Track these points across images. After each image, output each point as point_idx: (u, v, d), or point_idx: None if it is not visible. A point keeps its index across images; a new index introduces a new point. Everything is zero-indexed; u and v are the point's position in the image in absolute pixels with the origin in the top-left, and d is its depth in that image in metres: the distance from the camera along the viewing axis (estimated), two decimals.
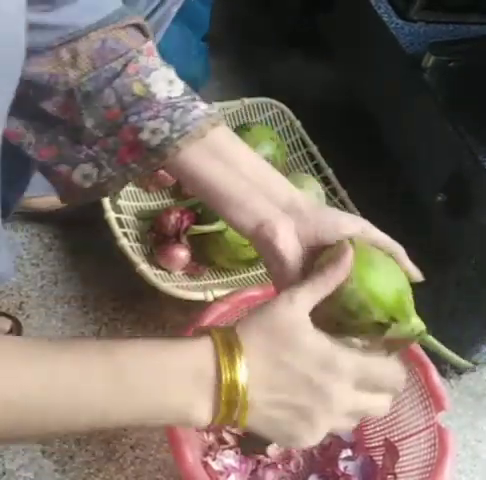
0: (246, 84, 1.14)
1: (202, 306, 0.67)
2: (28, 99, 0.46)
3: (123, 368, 0.36)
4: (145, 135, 0.45)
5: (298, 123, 1.01)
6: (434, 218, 0.82)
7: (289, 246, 0.43)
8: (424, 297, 0.85)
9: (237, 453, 0.65)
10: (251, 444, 0.44)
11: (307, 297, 0.39)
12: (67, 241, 0.87)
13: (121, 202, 0.86)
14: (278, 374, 0.38)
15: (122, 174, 0.48)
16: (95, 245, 0.84)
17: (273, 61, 1.20)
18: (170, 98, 0.46)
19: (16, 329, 0.76)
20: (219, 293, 0.75)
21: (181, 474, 0.54)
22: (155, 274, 0.78)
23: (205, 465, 0.62)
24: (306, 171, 0.97)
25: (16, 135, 0.48)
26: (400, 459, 0.64)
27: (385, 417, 0.68)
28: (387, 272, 0.41)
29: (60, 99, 0.46)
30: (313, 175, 0.96)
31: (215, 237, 0.82)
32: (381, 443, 0.67)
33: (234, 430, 0.66)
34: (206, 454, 0.64)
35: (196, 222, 0.83)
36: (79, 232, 0.86)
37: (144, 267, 0.76)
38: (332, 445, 0.69)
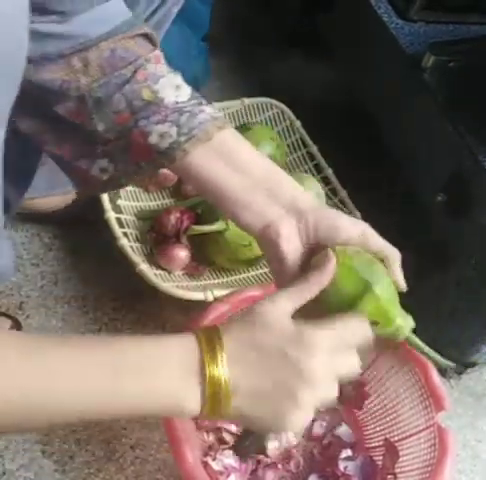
0: (246, 84, 1.14)
1: (202, 306, 0.67)
2: (42, 103, 0.48)
3: (117, 360, 0.39)
4: (154, 139, 0.47)
5: (298, 123, 1.01)
6: (434, 218, 0.82)
7: (291, 246, 0.46)
8: (424, 297, 0.86)
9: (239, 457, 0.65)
10: (245, 447, 0.44)
11: (289, 300, 0.42)
12: (67, 241, 0.87)
13: (121, 202, 0.86)
14: (257, 357, 0.40)
15: (134, 171, 0.50)
16: (95, 245, 0.84)
17: (273, 61, 1.20)
18: (177, 103, 0.48)
19: (16, 329, 0.76)
20: (219, 293, 0.75)
21: (181, 474, 0.54)
22: (155, 274, 0.78)
23: (205, 465, 0.62)
24: (306, 171, 0.97)
25: (35, 132, 0.50)
26: (400, 459, 0.64)
27: (385, 417, 0.68)
28: (369, 279, 0.44)
29: (72, 104, 0.48)
30: (313, 175, 0.96)
31: (215, 237, 0.82)
32: (381, 443, 0.67)
33: (234, 430, 0.66)
34: (206, 454, 0.64)
35: (196, 222, 0.83)
36: (79, 232, 0.86)
37: (144, 267, 0.76)
38: (332, 445, 0.69)
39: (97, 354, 0.39)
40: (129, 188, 0.89)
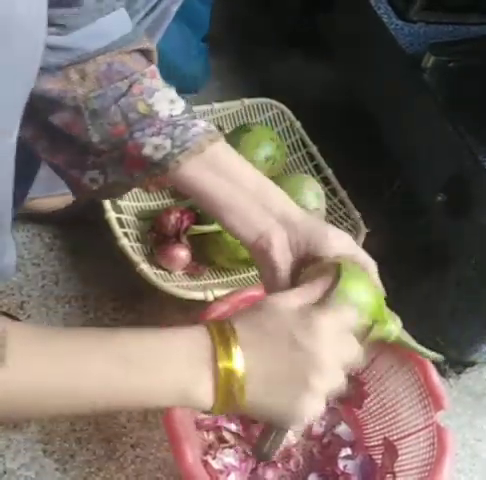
0: (246, 84, 1.14)
1: (202, 306, 0.67)
2: (39, 111, 0.49)
3: (124, 349, 0.39)
4: (148, 150, 0.49)
5: (298, 124, 1.01)
6: (434, 218, 0.82)
7: (282, 256, 0.48)
8: (424, 297, 0.86)
9: (237, 452, 0.65)
10: (267, 449, 0.45)
11: (298, 297, 0.44)
12: (68, 241, 0.87)
13: (121, 202, 0.86)
14: (267, 345, 0.41)
15: (127, 181, 0.52)
16: (96, 245, 0.84)
17: (273, 61, 1.20)
18: (171, 116, 0.50)
19: None
20: (219, 293, 0.75)
21: (181, 473, 0.54)
22: (155, 274, 0.78)
23: (205, 464, 0.62)
24: (306, 171, 0.97)
25: (31, 139, 0.51)
26: (399, 458, 0.64)
27: (384, 416, 0.68)
28: (366, 284, 0.48)
29: (68, 115, 0.49)
30: (313, 175, 0.96)
31: (215, 237, 0.82)
32: (380, 442, 0.67)
33: (234, 429, 0.66)
34: (206, 453, 0.64)
35: (196, 222, 0.84)
36: (80, 232, 0.86)
37: (144, 267, 0.76)
38: (332, 444, 0.69)
39: (106, 347, 0.39)
40: None
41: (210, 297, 0.75)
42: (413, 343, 0.52)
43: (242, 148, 0.88)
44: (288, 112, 1.02)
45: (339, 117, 1.07)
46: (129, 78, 0.50)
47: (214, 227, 0.81)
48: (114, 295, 0.83)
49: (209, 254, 0.85)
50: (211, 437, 0.66)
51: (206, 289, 0.76)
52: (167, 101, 0.50)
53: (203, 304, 0.73)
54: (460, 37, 0.89)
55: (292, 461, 0.67)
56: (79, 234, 0.86)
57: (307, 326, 0.42)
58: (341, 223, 0.91)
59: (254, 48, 1.20)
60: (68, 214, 0.85)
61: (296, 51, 1.19)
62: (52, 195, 0.83)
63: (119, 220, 0.82)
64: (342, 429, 0.70)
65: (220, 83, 1.14)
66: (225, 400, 0.40)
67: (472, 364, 0.84)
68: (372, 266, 0.50)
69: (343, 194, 0.93)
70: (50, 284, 0.83)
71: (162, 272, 0.82)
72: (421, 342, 0.65)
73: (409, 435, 0.65)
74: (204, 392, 0.40)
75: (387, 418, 0.68)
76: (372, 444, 0.69)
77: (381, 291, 0.50)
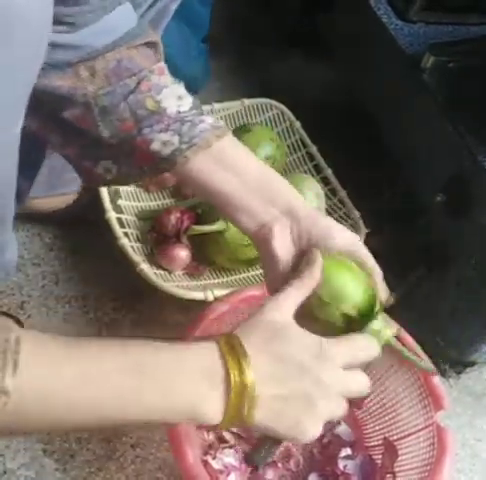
0: (246, 85, 1.14)
1: (202, 306, 0.67)
2: (50, 107, 0.50)
3: (138, 360, 0.39)
4: (157, 146, 0.50)
5: (298, 124, 1.01)
6: (434, 218, 0.82)
7: (284, 246, 0.49)
8: (424, 297, 0.86)
9: (237, 452, 0.65)
10: (261, 457, 0.45)
11: (291, 302, 0.45)
12: (68, 241, 0.87)
13: (122, 202, 0.86)
14: (278, 367, 0.42)
15: (137, 174, 0.53)
16: (96, 245, 0.84)
17: (273, 61, 1.20)
18: (179, 112, 0.51)
19: None
20: (219, 293, 0.75)
21: (181, 473, 0.54)
22: (155, 274, 0.78)
23: (205, 464, 0.62)
24: (306, 171, 0.97)
25: (42, 132, 0.52)
26: (399, 458, 0.64)
27: (384, 416, 0.68)
28: (357, 277, 0.48)
29: (78, 111, 0.50)
30: (313, 175, 0.96)
31: (215, 237, 0.82)
32: (380, 442, 0.67)
33: (233, 429, 0.66)
34: (206, 453, 0.64)
35: (196, 222, 0.84)
36: (80, 232, 0.86)
37: (144, 267, 0.76)
38: (332, 444, 0.69)
39: (120, 357, 0.39)
40: (129, 188, 0.89)
41: (210, 297, 0.75)
42: (406, 352, 0.51)
43: None
44: (288, 112, 1.02)
45: (339, 117, 1.07)
46: (137, 75, 0.50)
47: (214, 227, 0.81)
48: (114, 295, 0.83)
49: (209, 254, 0.85)
50: (211, 437, 0.66)
51: (206, 289, 0.76)
52: (175, 97, 0.51)
53: (203, 304, 0.73)
54: (460, 37, 0.89)
55: (292, 461, 0.67)
56: (79, 234, 0.86)
57: (319, 356, 0.42)
58: (341, 223, 0.91)
59: (254, 48, 1.20)
60: (68, 214, 0.85)
61: (296, 51, 1.19)
62: (52, 195, 0.83)
63: (119, 220, 0.82)
64: (342, 429, 0.70)
65: (220, 83, 1.14)
66: (234, 415, 0.40)
67: (472, 364, 0.84)
68: (377, 269, 0.50)
69: (343, 194, 0.93)
70: (50, 284, 0.83)
71: (162, 272, 0.82)
72: (421, 342, 0.65)
73: (409, 435, 0.65)
74: (213, 407, 0.40)
75: (387, 418, 0.68)
76: (372, 444, 0.69)
77: (375, 290, 0.49)
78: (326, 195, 0.93)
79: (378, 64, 0.94)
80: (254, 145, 0.90)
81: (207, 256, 0.85)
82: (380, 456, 0.67)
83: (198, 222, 0.83)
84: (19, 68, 0.41)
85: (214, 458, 0.63)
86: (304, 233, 0.49)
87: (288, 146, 1.00)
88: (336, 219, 0.92)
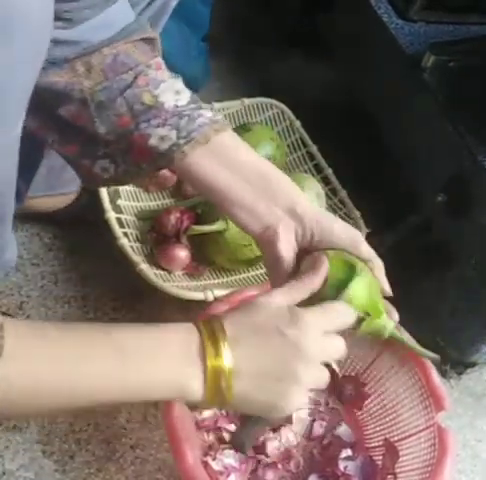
0: (246, 84, 1.14)
1: (202, 306, 0.67)
2: (47, 104, 0.50)
3: (120, 341, 0.40)
4: (154, 141, 0.49)
5: (298, 123, 1.01)
6: (434, 218, 0.82)
7: (288, 246, 0.49)
8: (424, 297, 0.86)
9: (237, 453, 0.65)
10: (244, 438, 0.45)
11: (284, 296, 0.45)
12: (67, 241, 0.87)
13: (121, 202, 0.86)
14: (255, 338, 0.42)
15: (135, 171, 0.52)
16: (95, 245, 0.84)
17: (273, 61, 1.20)
18: (177, 107, 0.50)
19: None
20: (219, 293, 0.75)
21: (181, 474, 0.54)
22: (155, 274, 0.78)
23: (205, 465, 0.62)
24: (306, 171, 0.97)
25: (40, 130, 0.52)
26: (400, 459, 0.64)
27: (385, 417, 0.68)
28: (362, 276, 0.48)
29: (74, 107, 0.50)
30: (313, 175, 0.96)
31: (215, 237, 0.82)
32: (381, 443, 0.67)
33: (233, 429, 0.66)
34: (206, 454, 0.64)
35: (196, 222, 0.83)
36: (79, 232, 0.86)
37: (144, 267, 0.76)
38: (332, 445, 0.69)
39: (103, 339, 0.40)
40: (129, 188, 0.89)
41: (210, 297, 0.75)
42: (411, 342, 0.52)
43: None
44: (288, 112, 1.02)
45: (339, 117, 1.07)
46: (134, 69, 0.50)
47: (214, 227, 0.81)
48: (114, 295, 0.83)
49: (209, 254, 0.85)
50: (211, 438, 0.66)
51: (206, 289, 0.76)
52: (173, 92, 0.50)
53: (203, 304, 0.73)
54: (460, 37, 0.89)
55: (292, 462, 0.67)
56: (79, 234, 0.86)
57: (295, 321, 0.43)
58: None
59: (254, 48, 1.19)
60: (68, 214, 0.85)
61: (296, 51, 1.19)
62: (51, 195, 0.83)
63: (119, 220, 0.82)
64: (342, 430, 0.70)
65: (220, 83, 1.14)
66: (213, 395, 0.41)
67: (473, 365, 0.84)
68: (379, 263, 0.51)
69: (343, 194, 0.93)
70: (49, 284, 0.82)
71: (162, 272, 0.82)
72: (421, 342, 0.65)
73: (410, 436, 0.64)
74: (195, 387, 0.41)
75: (388, 419, 0.68)
76: (373, 445, 0.69)
77: (378, 285, 0.50)
78: (326, 195, 0.93)
79: (378, 64, 0.94)
80: (254, 144, 0.89)
81: (207, 256, 0.85)
82: (381, 457, 0.67)
83: (198, 222, 0.83)
84: (20, 69, 0.41)
85: (214, 459, 0.63)
86: (308, 232, 0.49)
87: (288, 145, 1.00)
88: None
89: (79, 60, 0.49)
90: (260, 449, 0.66)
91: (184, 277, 0.83)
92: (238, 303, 0.64)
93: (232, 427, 0.66)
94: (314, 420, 0.70)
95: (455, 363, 0.83)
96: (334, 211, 0.93)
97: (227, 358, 0.41)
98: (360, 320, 0.47)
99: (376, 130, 0.92)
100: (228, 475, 0.63)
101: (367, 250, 0.50)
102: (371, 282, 0.48)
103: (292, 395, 0.42)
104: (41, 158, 0.69)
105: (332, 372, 0.63)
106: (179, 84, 0.52)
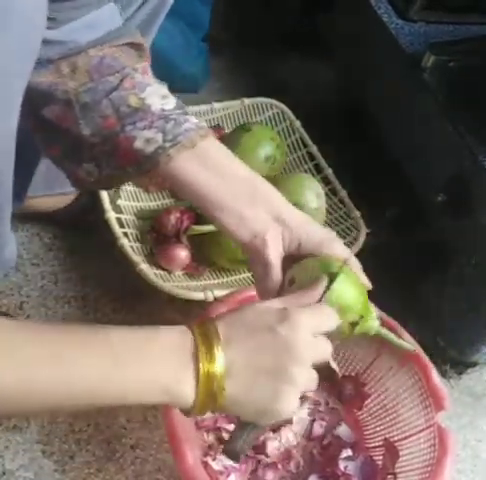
0: (246, 84, 1.14)
1: (202, 306, 0.67)
2: (31, 104, 0.49)
3: (110, 342, 0.40)
4: (140, 144, 0.49)
5: (298, 123, 1.01)
6: (434, 218, 0.82)
7: (276, 253, 0.49)
8: (424, 297, 0.86)
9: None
10: (238, 447, 0.45)
11: (280, 303, 0.45)
12: (67, 241, 0.87)
13: (121, 202, 0.86)
14: (247, 337, 0.42)
15: (120, 175, 0.52)
16: (95, 245, 0.84)
17: (273, 61, 1.20)
18: (163, 110, 0.50)
19: None
20: (219, 293, 0.75)
21: (181, 474, 0.54)
22: (155, 274, 0.78)
23: (205, 465, 0.62)
24: (306, 171, 0.97)
25: (30, 130, 0.52)
26: (400, 459, 0.64)
27: (385, 417, 0.68)
28: (357, 283, 0.49)
29: (58, 108, 0.49)
30: (313, 175, 0.96)
31: (215, 237, 0.82)
32: (381, 443, 0.67)
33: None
34: (206, 454, 0.64)
35: (196, 222, 0.83)
36: (79, 232, 0.86)
37: (144, 267, 0.76)
38: (332, 445, 0.69)
39: (93, 339, 0.40)
40: (129, 188, 0.89)
41: (210, 297, 0.75)
42: (390, 336, 0.53)
43: (242, 148, 0.88)
44: (288, 112, 1.02)
45: (339, 117, 1.07)
46: (121, 72, 0.50)
47: (214, 227, 0.81)
48: (114, 295, 0.83)
49: (209, 254, 0.85)
50: (211, 438, 0.66)
51: (206, 289, 0.76)
52: (159, 96, 0.50)
53: (203, 304, 0.73)
54: (460, 37, 0.89)
55: (292, 462, 0.67)
56: (79, 234, 0.86)
57: (286, 319, 0.43)
58: (341, 223, 0.91)
59: (254, 48, 1.19)
60: (68, 214, 0.85)
61: (296, 51, 1.19)
62: (51, 195, 0.83)
63: (119, 220, 0.82)
64: (342, 430, 0.70)
65: (220, 83, 1.14)
66: (205, 400, 0.41)
67: (473, 365, 0.84)
68: (356, 262, 0.51)
69: (343, 194, 0.93)
70: (49, 284, 0.82)
71: (162, 272, 0.82)
72: (421, 342, 0.65)
73: (410, 436, 0.64)
74: (187, 391, 0.41)
75: (388, 419, 0.68)
76: (373, 445, 0.69)
77: (365, 286, 0.51)
78: (326, 195, 0.92)
79: (378, 64, 0.94)
80: (254, 144, 0.90)
81: (207, 256, 0.85)
82: (381, 457, 0.67)
83: (198, 222, 0.83)
84: (18, 53, 0.41)
85: (214, 459, 0.63)
86: (295, 240, 0.50)
87: (288, 145, 1.00)
88: (336, 219, 0.92)
89: (64, 61, 0.49)
90: (260, 449, 0.67)
91: (184, 277, 0.83)
92: (238, 303, 0.65)
93: (232, 427, 0.66)
94: (314, 420, 0.70)
95: (455, 363, 0.83)
96: (334, 211, 0.93)
97: (220, 362, 0.41)
98: (354, 324, 0.48)
99: (376, 130, 0.92)
100: (228, 475, 0.63)
101: (343, 248, 0.51)
102: (356, 279, 0.49)
103: (284, 396, 0.42)
104: (39, 156, 0.69)
105: (332, 372, 0.63)
106: (165, 89, 0.52)
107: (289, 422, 0.69)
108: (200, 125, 0.50)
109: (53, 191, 0.83)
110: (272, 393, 0.42)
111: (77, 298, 0.82)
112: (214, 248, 0.83)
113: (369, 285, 0.51)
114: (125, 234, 0.80)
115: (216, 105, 0.99)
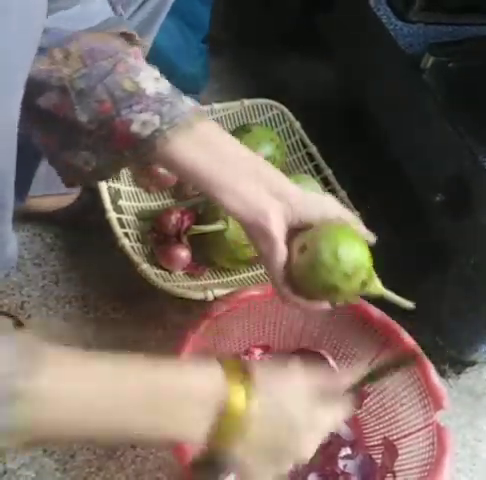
0: (246, 85, 1.14)
1: (202, 306, 0.67)
2: (27, 95, 0.48)
3: (154, 387, 0.40)
4: (136, 127, 0.49)
5: (298, 124, 1.01)
6: (434, 218, 0.82)
7: (280, 230, 0.50)
8: (424, 297, 0.86)
9: None
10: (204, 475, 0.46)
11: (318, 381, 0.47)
12: (68, 241, 0.87)
13: (122, 202, 0.86)
14: (274, 412, 0.43)
15: (117, 161, 0.52)
16: (96, 245, 0.84)
17: (273, 62, 1.20)
18: (158, 93, 0.50)
19: (18, 329, 0.76)
20: (219, 293, 0.75)
21: (182, 473, 0.54)
22: (156, 274, 0.78)
23: None
24: (306, 172, 0.98)
25: (23, 122, 0.51)
26: (399, 458, 0.64)
27: (384, 416, 0.68)
28: (362, 243, 0.52)
29: (54, 96, 0.49)
30: (313, 176, 0.96)
31: (215, 237, 0.82)
32: (380, 442, 0.67)
33: None
34: None
35: (196, 222, 0.84)
36: (80, 232, 0.86)
37: (145, 267, 0.77)
38: (331, 444, 0.69)
39: (130, 381, 0.40)
40: (130, 188, 0.90)
41: (210, 297, 0.75)
42: (390, 294, 0.54)
43: None
44: (288, 113, 1.02)
45: (339, 117, 1.07)
46: (114, 57, 0.50)
47: (214, 227, 0.81)
48: (114, 295, 0.83)
49: (209, 254, 0.85)
50: None
51: (206, 289, 0.77)
52: (152, 79, 0.50)
53: (203, 304, 0.74)
54: (459, 37, 0.89)
55: None
56: (80, 234, 0.86)
57: (311, 424, 0.45)
58: None
59: (254, 49, 1.20)
60: (69, 214, 0.85)
61: (296, 52, 1.19)
62: (52, 195, 0.83)
63: (120, 220, 0.82)
64: (342, 428, 0.70)
65: (220, 84, 1.14)
66: (217, 438, 0.42)
67: (472, 364, 0.84)
68: (355, 219, 0.54)
69: (343, 194, 0.93)
70: (50, 284, 0.83)
71: (162, 272, 0.82)
72: (421, 342, 0.65)
73: (409, 435, 0.65)
74: (199, 431, 0.41)
75: (387, 418, 0.68)
76: (372, 444, 0.69)
77: (368, 238, 0.53)
78: None
79: (378, 64, 0.94)
80: (254, 145, 0.90)
81: (207, 256, 0.85)
82: (380, 456, 0.67)
83: (198, 222, 0.84)
84: (16, 52, 0.41)
85: None
86: (297, 214, 0.51)
87: (288, 146, 1.00)
88: None
89: (57, 48, 0.48)
90: None
91: (184, 277, 0.83)
92: (238, 303, 0.65)
93: None
94: None
95: (454, 362, 0.83)
96: None
97: (250, 410, 0.42)
98: (364, 283, 0.50)
99: (376, 130, 0.93)
100: (228, 474, 0.63)
101: (340, 209, 0.53)
102: (362, 238, 0.52)
103: (270, 473, 0.45)
104: (40, 155, 0.69)
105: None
106: (157, 73, 0.52)
107: None
108: (196, 107, 0.51)
109: (54, 191, 0.83)
110: (264, 467, 0.45)
111: (78, 298, 0.82)
112: (214, 248, 0.84)
113: (372, 238, 0.53)
114: (126, 234, 0.81)
115: (216, 106, 0.99)
